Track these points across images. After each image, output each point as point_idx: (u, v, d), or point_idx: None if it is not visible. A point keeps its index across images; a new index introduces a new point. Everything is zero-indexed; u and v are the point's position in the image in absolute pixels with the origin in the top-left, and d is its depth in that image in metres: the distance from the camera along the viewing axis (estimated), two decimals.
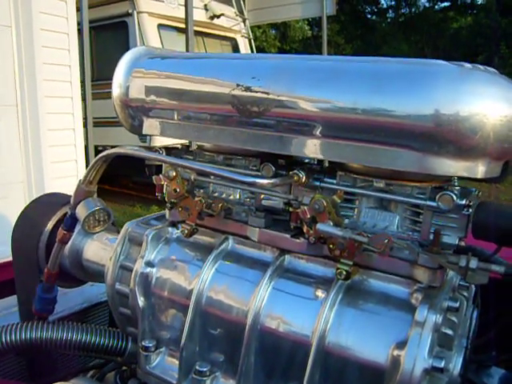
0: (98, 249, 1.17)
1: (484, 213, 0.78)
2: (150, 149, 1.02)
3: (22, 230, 1.23)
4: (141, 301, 0.99)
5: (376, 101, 0.74)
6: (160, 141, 7.57)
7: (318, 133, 0.79)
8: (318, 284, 0.86)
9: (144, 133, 1.01)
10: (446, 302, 0.78)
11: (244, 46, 8.81)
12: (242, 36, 8.65)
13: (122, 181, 10.17)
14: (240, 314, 0.88)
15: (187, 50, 6.24)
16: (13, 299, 1.52)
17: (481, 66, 0.74)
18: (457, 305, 0.77)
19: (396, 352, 0.75)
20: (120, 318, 1.07)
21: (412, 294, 0.81)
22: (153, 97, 0.97)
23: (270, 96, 0.81)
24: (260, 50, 9.84)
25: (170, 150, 1.04)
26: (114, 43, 7.26)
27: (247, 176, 0.87)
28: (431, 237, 0.80)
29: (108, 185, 8.37)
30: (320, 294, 0.85)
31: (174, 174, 0.96)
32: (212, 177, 0.98)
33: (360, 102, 0.75)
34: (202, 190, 1.01)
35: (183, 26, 6.65)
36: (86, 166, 5.13)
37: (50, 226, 1.19)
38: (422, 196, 0.80)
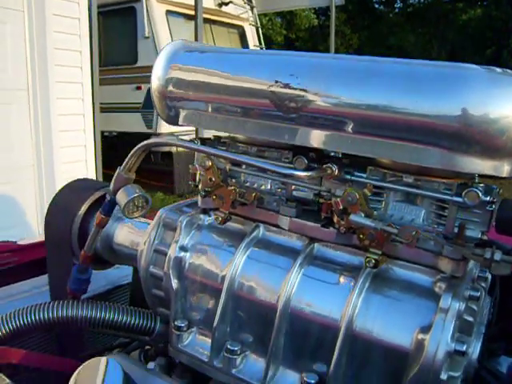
0: (129, 233, 1.23)
1: (508, 209, 0.83)
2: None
3: (55, 214, 1.28)
4: (174, 283, 1.04)
5: (409, 101, 0.79)
6: (168, 128, 7.61)
7: (353, 129, 0.84)
8: (346, 271, 0.92)
9: (180, 123, 1.06)
10: (468, 292, 0.83)
11: (251, 35, 8.79)
12: (250, 24, 8.63)
13: None
14: (271, 298, 0.94)
15: (196, 38, 6.23)
16: (38, 280, 1.59)
17: (510, 71, 0.78)
18: (478, 294, 0.83)
19: (420, 336, 0.81)
20: (152, 299, 1.13)
21: (435, 282, 0.86)
22: (190, 90, 1.01)
23: (308, 93, 0.86)
24: (266, 37, 9.82)
25: (204, 141, 1.08)
26: (121, 28, 7.27)
27: (286, 168, 0.92)
28: (455, 230, 0.85)
29: (113, 171, 8.40)
30: (348, 280, 0.90)
31: (210, 163, 1.01)
32: (244, 167, 1.03)
33: (394, 102, 0.80)
34: (234, 180, 1.06)
35: (191, 12, 6.65)
36: (95, 152, 5.18)
37: (83, 210, 1.24)
38: (448, 192, 0.85)
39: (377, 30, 23.34)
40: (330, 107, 0.85)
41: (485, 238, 0.85)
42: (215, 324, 0.97)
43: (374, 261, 0.86)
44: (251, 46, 8.81)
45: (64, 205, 1.27)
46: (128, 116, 7.70)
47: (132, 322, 1.15)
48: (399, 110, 0.79)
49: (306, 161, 0.94)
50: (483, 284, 0.93)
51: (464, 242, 0.83)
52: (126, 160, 1.05)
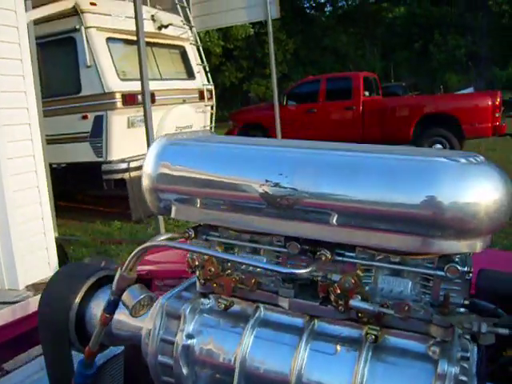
0: (128, 318, 1.25)
1: (485, 279, 0.94)
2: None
3: (49, 305, 1.29)
4: (185, 369, 1.09)
5: (389, 195, 0.89)
6: (118, 154, 7.50)
7: (340, 222, 0.93)
8: (349, 343, 1.00)
9: (172, 217, 1.10)
10: (459, 353, 0.93)
11: (193, 54, 8.83)
12: (191, 43, 8.67)
13: (76, 196, 9.91)
14: (283, 374, 1.01)
15: (140, 62, 6.16)
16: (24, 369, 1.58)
17: (472, 159, 0.89)
18: (468, 354, 0.93)
19: None
20: None
21: (429, 347, 0.96)
22: (180, 186, 1.07)
23: (297, 191, 0.94)
24: (204, 50, 9.89)
25: (196, 229, 1.13)
26: (63, 59, 7.13)
27: (286, 268, 1.00)
28: (441, 298, 0.95)
29: (62, 201, 8.17)
30: (352, 352, 0.98)
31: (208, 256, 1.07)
32: (241, 253, 1.10)
33: (375, 196, 0.90)
34: (230, 264, 1.12)
35: (132, 37, 6.59)
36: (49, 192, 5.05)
37: (77, 300, 1.26)
38: (430, 266, 0.95)
39: (311, 34, 23.97)
40: (318, 203, 0.94)
41: (467, 302, 0.96)
42: None
43: (374, 336, 0.94)
44: (193, 65, 8.85)
45: (57, 295, 1.28)
46: (76, 146, 7.55)
47: None
48: (380, 204, 0.89)
49: (299, 245, 1.02)
50: (467, 336, 1.04)
51: (449, 309, 0.93)
52: (127, 261, 1.09)
